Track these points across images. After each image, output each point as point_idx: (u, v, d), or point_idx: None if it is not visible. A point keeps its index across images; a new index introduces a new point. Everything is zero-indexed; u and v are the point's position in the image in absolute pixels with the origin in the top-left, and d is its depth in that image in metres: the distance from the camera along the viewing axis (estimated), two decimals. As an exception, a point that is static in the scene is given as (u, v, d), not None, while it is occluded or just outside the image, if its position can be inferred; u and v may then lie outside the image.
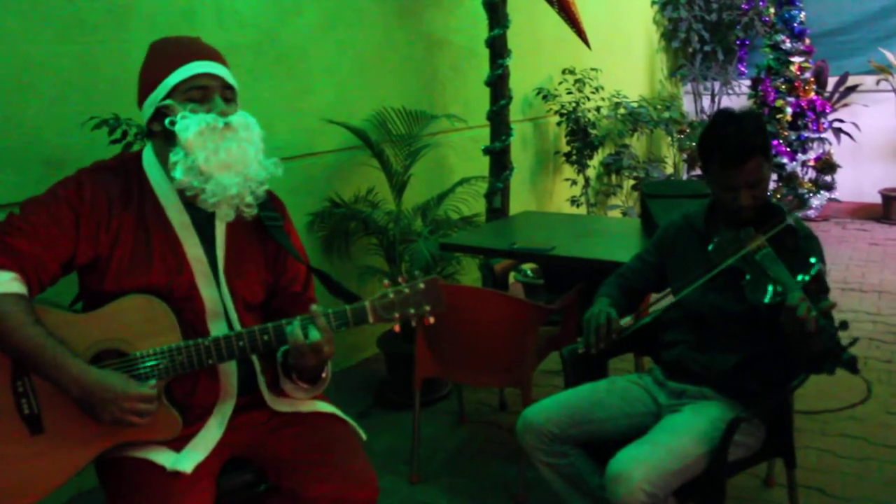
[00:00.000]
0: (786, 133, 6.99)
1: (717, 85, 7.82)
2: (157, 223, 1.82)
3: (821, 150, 7.16)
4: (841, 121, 7.30)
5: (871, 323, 4.58)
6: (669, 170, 7.59)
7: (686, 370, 2.30)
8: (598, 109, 5.99)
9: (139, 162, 1.86)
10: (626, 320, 2.26)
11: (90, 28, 2.85)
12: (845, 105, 7.49)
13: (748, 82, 7.50)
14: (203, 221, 1.86)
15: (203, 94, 1.79)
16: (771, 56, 7.08)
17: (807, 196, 6.93)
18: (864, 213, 7.50)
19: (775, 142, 6.92)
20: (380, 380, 3.94)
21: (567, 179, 6.08)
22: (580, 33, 4.65)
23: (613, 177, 6.76)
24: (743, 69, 7.97)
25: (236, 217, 1.86)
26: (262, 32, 3.57)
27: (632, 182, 6.66)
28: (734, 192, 2.15)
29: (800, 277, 2.02)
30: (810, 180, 7.12)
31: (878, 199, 7.39)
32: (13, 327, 1.62)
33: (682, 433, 2.09)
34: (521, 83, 4.90)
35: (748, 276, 2.10)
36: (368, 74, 4.17)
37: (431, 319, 1.81)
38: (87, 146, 2.74)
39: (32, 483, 1.69)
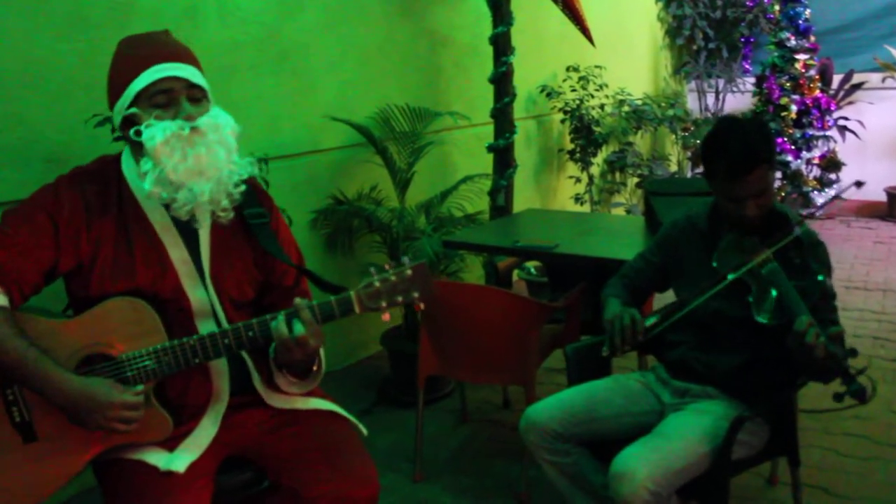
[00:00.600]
0: (790, 131, 6.97)
1: (721, 82, 7.80)
2: (138, 227, 1.80)
3: (826, 148, 7.13)
4: (846, 118, 7.27)
5: (875, 322, 4.57)
6: (673, 167, 7.58)
7: (690, 369, 2.29)
8: (601, 107, 5.97)
9: (118, 165, 1.84)
10: (652, 321, 2.22)
11: (93, 25, 2.85)
12: (850, 103, 7.47)
13: (753, 80, 7.48)
14: (186, 222, 1.82)
15: (168, 97, 1.74)
16: (776, 53, 7.06)
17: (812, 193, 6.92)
18: (869, 211, 7.48)
19: (780, 140, 6.90)
20: (383, 377, 3.94)
21: (571, 177, 6.07)
22: (584, 30, 4.64)
23: (617, 174, 6.74)
24: (747, 66, 7.94)
25: (231, 206, 1.82)
26: (265, 29, 3.56)
27: (635, 180, 6.64)
28: (739, 202, 2.13)
29: (807, 288, 2.01)
30: (815, 178, 7.10)
31: (883, 198, 7.36)
32: None
33: (686, 432, 2.08)
34: (524, 80, 4.89)
35: (754, 290, 2.10)
36: (372, 71, 4.17)
37: (422, 306, 1.77)
38: (90, 144, 2.74)
39: (28, 491, 1.69)
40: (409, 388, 3.55)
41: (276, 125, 3.65)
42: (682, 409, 2.22)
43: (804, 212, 6.95)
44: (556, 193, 6.20)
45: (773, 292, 2.04)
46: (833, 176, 7.12)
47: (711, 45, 7.75)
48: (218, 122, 1.78)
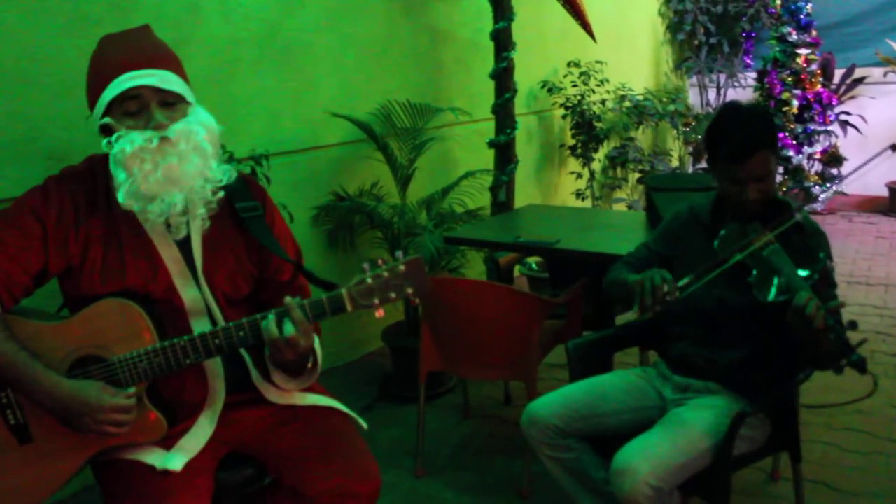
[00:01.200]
0: (792, 126, 6.95)
1: (722, 77, 7.79)
2: (127, 226, 1.79)
3: (827, 143, 7.13)
4: (847, 113, 7.26)
5: (877, 316, 4.57)
6: (675, 163, 7.56)
7: (691, 364, 2.29)
8: (603, 102, 5.97)
9: (107, 164, 1.80)
10: (684, 281, 2.12)
11: (94, 22, 2.85)
12: (852, 97, 7.45)
13: (754, 75, 7.46)
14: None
15: (138, 104, 1.72)
16: (777, 48, 7.04)
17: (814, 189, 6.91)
18: (870, 205, 7.48)
19: (781, 134, 6.89)
20: (384, 374, 3.94)
21: (572, 173, 6.07)
22: (585, 26, 4.63)
23: (619, 170, 6.73)
24: (749, 61, 7.93)
25: (209, 213, 1.82)
26: (267, 26, 3.56)
27: (637, 175, 6.63)
28: (741, 185, 2.14)
29: (807, 274, 2.01)
30: (816, 173, 7.09)
31: (884, 192, 7.36)
32: None
33: (688, 427, 2.09)
34: (526, 76, 4.89)
35: (755, 273, 2.09)
36: (373, 67, 4.17)
37: (416, 301, 1.74)
38: (91, 140, 2.73)
39: (25, 493, 1.70)
40: (410, 384, 3.55)
41: (277, 121, 3.65)
42: (683, 405, 2.23)
43: (807, 206, 6.95)
44: (558, 189, 6.20)
45: (775, 270, 2.04)
46: (834, 171, 7.11)
47: (713, 40, 7.73)
48: (191, 129, 1.74)
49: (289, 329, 1.70)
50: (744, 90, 7.76)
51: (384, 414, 3.57)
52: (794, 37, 6.96)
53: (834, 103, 7.09)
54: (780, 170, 6.95)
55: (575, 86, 5.79)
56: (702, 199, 2.39)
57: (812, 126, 6.98)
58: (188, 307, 1.83)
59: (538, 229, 3.43)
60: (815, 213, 7.07)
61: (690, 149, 7.30)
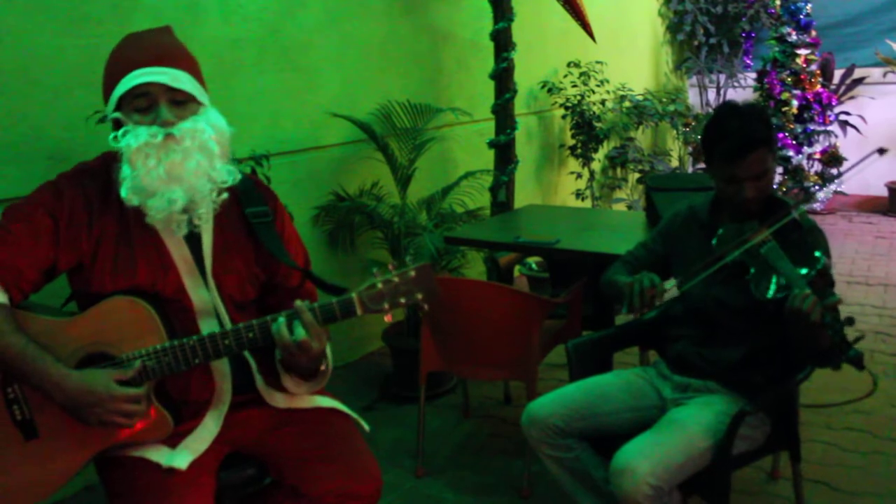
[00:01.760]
0: (791, 126, 6.96)
1: (722, 78, 7.80)
2: (139, 225, 1.79)
3: (827, 143, 7.13)
4: (847, 113, 7.27)
5: (876, 316, 4.57)
6: (675, 163, 7.57)
7: (691, 364, 2.30)
8: (603, 102, 5.97)
9: (120, 162, 1.82)
10: (671, 284, 2.20)
11: (95, 22, 2.85)
12: (851, 97, 7.46)
13: (754, 75, 7.47)
14: (188, 221, 1.81)
15: (148, 101, 1.73)
16: (777, 48, 7.05)
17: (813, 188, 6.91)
18: (870, 206, 7.48)
19: (781, 135, 6.90)
20: (385, 374, 3.94)
21: (572, 173, 6.07)
22: (585, 26, 4.64)
23: (618, 170, 6.74)
24: (748, 62, 7.94)
25: (221, 212, 1.82)
26: (267, 26, 3.57)
27: (637, 175, 6.64)
28: (738, 184, 2.15)
29: (804, 271, 2.02)
30: (816, 173, 7.10)
31: (884, 192, 7.36)
32: None
33: (688, 427, 2.09)
34: (525, 76, 4.89)
35: (752, 270, 2.10)
36: (373, 68, 4.17)
37: (426, 307, 1.73)
38: (92, 141, 2.74)
39: (30, 488, 1.70)
40: (410, 384, 3.56)
41: (277, 121, 3.65)
42: (683, 404, 2.23)
43: (805, 206, 6.94)
44: (558, 189, 6.20)
45: (773, 267, 2.04)
46: (834, 171, 7.11)
47: (712, 41, 7.74)
48: (197, 128, 1.74)
49: (300, 333, 1.70)
50: (743, 90, 7.77)
51: (384, 414, 3.58)
52: (793, 37, 6.97)
53: (833, 103, 7.10)
54: (780, 170, 6.96)
55: (575, 86, 5.79)
56: (700, 199, 2.40)
57: (812, 126, 6.98)
58: (197, 308, 1.84)
59: (538, 229, 3.44)
60: (815, 212, 7.08)
61: (690, 149, 7.30)
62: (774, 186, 2.26)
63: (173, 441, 1.79)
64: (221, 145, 1.79)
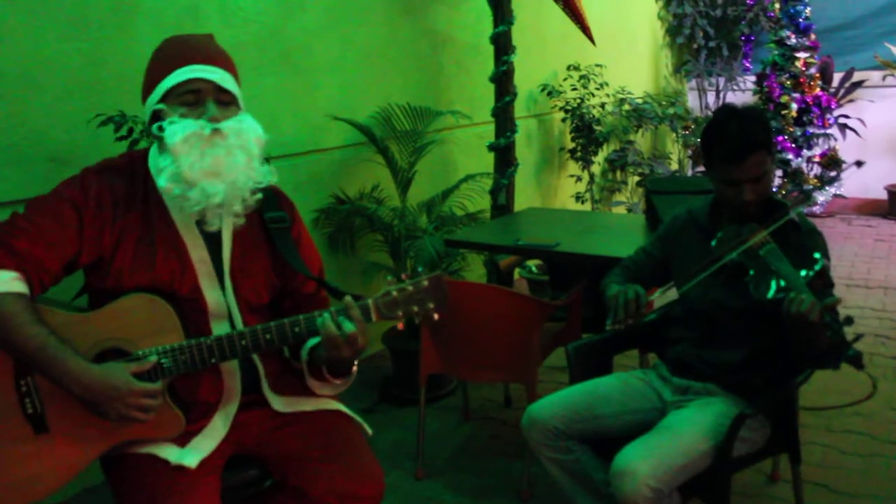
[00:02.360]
0: (791, 129, 6.97)
1: (721, 81, 7.81)
2: (161, 224, 1.81)
3: (826, 147, 7.14)
4: (846, 116, 7.27)
5: (876, 319, 4.58)
6: (674, 166, 7.58)
7: (691, 367, 2.30)
8: (602, 106, 5.98)
9: (145, 161, 1.85)
10: (655, 296, 2.23)
11: (96, 25, 2.86)
12: (851, 101, 7.46)
13: (753, 78, 7.48)
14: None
15: (196, 97, 1.76)
16: (776, 52, 7.06)
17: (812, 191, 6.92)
18: (869, 209, 7.49)
19: (780, 138, 6.91)
20: (385, 376, 3.95)
21: (572, 176, 6.08)
22: (585, 29, 4.65)
23: (618, 173, 6.75)
24: (748, 65, 7.95)
25: (242, 220, 1.84)
26: (267, 29, 3.57)
27: (636, 178, 6.65)
28: (737, 186, 2.15)
29: (804, 273, 2.02)
30: (815, 176, 7.11)
31: (883, 196, 7.37)
32: (15, 326, 1.62)
33: (688, 429, 2.09)
34: (525, 79, 4.90)
35: (752, 272, 2.11)
36: (373, 71, 4.18)
37: (436, 316, 1.79)
38: (93, 143, 2.75)
39: (37, 482, 1.70)
40: (411, 386, 3.56)
41: (277, 124, 3.65)
42: (683, 407, 2.23)
43: (803, 207, 6.95)
44: (557, 192, 6.21)
45: (772, 269, 2.05)
46: (833, 174, 7.12)
47: (712, 44, 7.75)
48: (242, 128, 1.78)
49: (349, 327, 1.74)
50: (743, 94, 7.78)
51: (384, 416, 3.58)
52: (792, 40, 6.98)
53: (833, 107, 7.11)
54: (779, 173, 6.97)
55: (574, 89, 5.80)
56: (700, 203, 2.40)
57: (811, 129, 6.99)
58: (211, 309, 1.85)
59: (538, 232, 3.44)
60: (814, 215, 7.08)
61: (689, 152, 7.31)
62: (774, 189, 2.27)
63: (182, 440, 1.81)
64: (259, 147, 1.82)
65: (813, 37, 7.04)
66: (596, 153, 5.96)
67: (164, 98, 1.77)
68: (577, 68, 5.80)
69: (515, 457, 3.13)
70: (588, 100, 5.81)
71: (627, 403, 2.29)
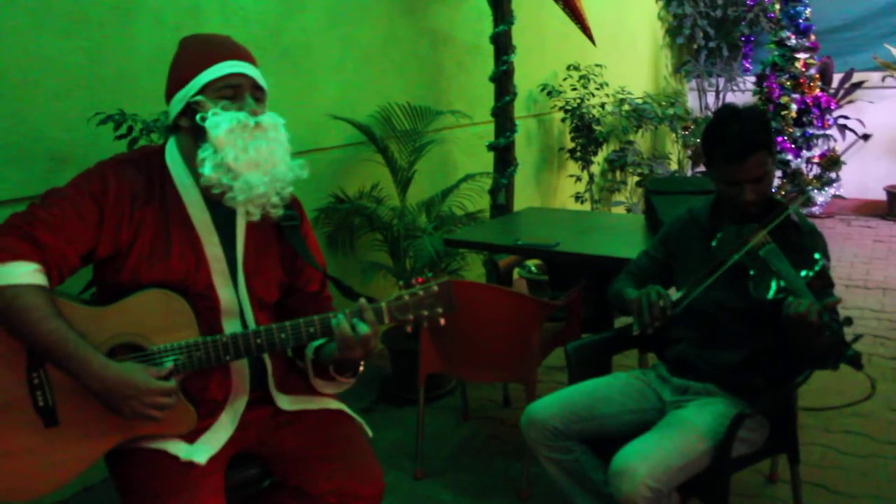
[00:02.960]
0: (791, 130, 6.97)
1: (721, 81, 7.81)
2: (177, 219, 1.82)
3: (826, 147, 7.14)
4: (846, 117, 7.28)
5: (875, 320, 4.58)
6: (674, 166, 7.59)
7: (690, 367, 2.30)
8: (602, 106, 5.98)
9: (162, 157, 1.85)
10: (677, 295, 2.20)
11: (96, 24, 2.86)
12: (850, 101, 7.47)
13: (753, 79, 7.49)
14: (223, 220, 1.85)
15: (235, 92, 1.79)
16: (776, 52, 7.07)
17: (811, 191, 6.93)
18: (868, 209, 7.49)
19: (780, 138, 6.92)
20: (384, 376, 3.95)
21: (571, 176, 6.08)
22: (585, 30, 4.65)
23: (618, 173, 6.75)
24: (748, 65, 7.96)
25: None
26: (267, 29, 3.57)
27: (636, 178, 6.65)
28: (738, 186, 2.16)
29: (804, 273, 2.02)
30: (815, 177, 7.11)
31: (882, 196, 7.38)
32: (36, 319, 1.61)
33: (687, 429, 2.09)
34: (525, 79, 4.90)
35: (752, 272, 2.11)
36: (373, 70, 4.18)
37: (442, 321, 1.83)
38: (93, 142, 2.75)
39: (46, 475, 1.70)
40: (410, 386, 3.56)
41: (277, 124, 3.65)
42: (682, 407, 2.23)
43: (800, 206, 6.96)
44: (557, 192, 6.21)
45: (772, 269, 2.05)
46: (833, 174, 7.12)
47: (712, 44, 7.76)
48: (278, 122, 1.84)
49: (363, 328, 1.76)
50: (742, 94, 7.79)
51: (384, 416, 3.58)
52: (792, 41, 6.99)
53: (832, 107, 7.11)
54: (779, 173, 6.97)
55: (574, 89, 5.80)
56: (700, 203, 2.41)
57: (811, 130, 7.00)
58: (223, 306, 1.86)
59: (537, 232, 3.44)
60: (814, 216, 7.09)
61: (689, 152, 7.31)
62: (773, 189, 2.27)
63: (190, 437, 1.81)
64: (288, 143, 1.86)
65: (813, 38, 7.05)
66: (595, 153, 5.97)
67: (201, 91, 1.78)
68: (576, 68, 5.80)
69: (514, 456, 3.13)
70: (588, 100, 5.81)
71: (627, 403, 2.29)
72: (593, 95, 5.85)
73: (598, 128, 5.84)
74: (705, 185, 3.41)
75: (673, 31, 7.94)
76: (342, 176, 4.02)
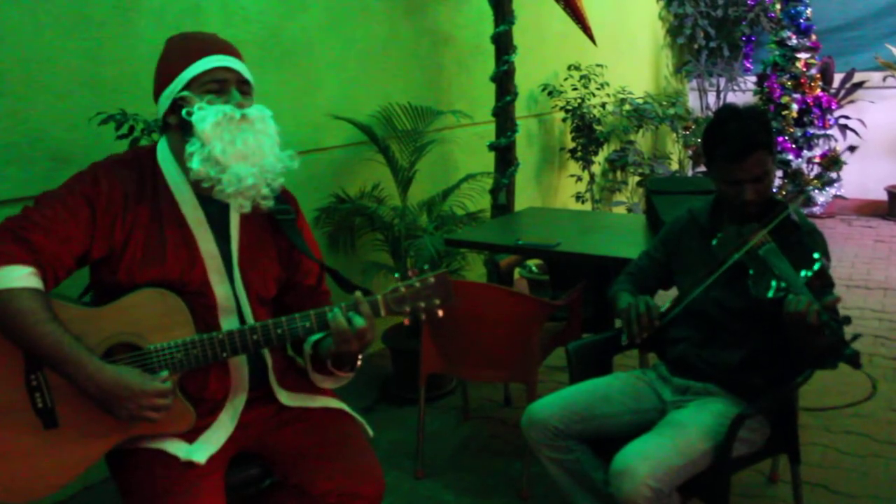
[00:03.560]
0: (791, 130, 6.97)
1: (722, 81, 7.81)
2: (171, 217, 1.82)
3: (826, 147, 7.14)
4: (847, 117, 7.27)
5: (876, 320, 4.58)
6: (674, 166, 7.58)
7: (690, 366, 2.30)
8: (603, 105, 5.98)
9: (153, 156, 1.86)
10: (665, 306, 2.23)
11: (97, 24, 2.86)
12: (851, 101, 7.46)
13: (754, 79, 7.48)
14: (217, 216, 1.86)
15: (220, 86, 1.80)
16: (777, 52, 7.06)
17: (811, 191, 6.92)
18: (869, 209, 7.49)
19: (781, 138, 6.92)
20: (385, 375, 3.95)
21: (572, 176, 6.08)
22: (586, 29, 4.65)
23: (618, 173, 6.75)
24: (748, 65, 7.95)
25: (251, 211, 1.85)
26: (268, 28, 3.57)
27: (637, 178, 6.65)
28: (738, 186, 2.16)
29: (803, 273, 2.02)
30: (816, 177, 7.11)
31: (883, 196, 7.37)
32: (31, 323, 1.61)
33: (687, 429, 2.09)
34: (526, 79, 4.90)
35: (752, 272, 2.11)
36: (374, 70, 4.18)
37: (440, 312, 1.83)
38: (94, 142, 2.75)
39: (47, 477, 1.70)
40: (410, 385, 3.56)
41: (278, 123, 3.61)
42: (683, 407, 2.24)
43: (800, 204, 6.96)
44: (558, 192, 6.21)
45: (771, 268, 2.05)
46: (834, 175, 7.12)
47: (712, 44, 7.75)
48: (265, 114, 1.85)
49: (359, 321, 1.76)
50: (743, 94, 7.78)
51: (384, 415, 3.58)
52: (793, 41, 6.98)
53: (833, 107, 7.11)
54: (780, 173, 6.97)
55: (575, 89, 5.80)
56: (700, 203, 2.41)
57: (811, 130, 6.99)
58: (219, 303, 1.86)
59: (538, 232, 3.44)
60: (814, 216, 7.08)
61: (690, 152, 7.31)
62: (774, 189, 2.27)
63: (189, 437, 1.81)
64: (277, 134, 1.87)
65: (814, 37, 7.04)
66: (596, 153, 5.97)
67: (187, 87, 1.79)
68: (577, 68, 5.80)
69: (515, 456, 3.14)
70: (588, 100, 5.81)
71: (627, 403, 2.29)
72: (594, 95, 5.85)
73: (598, 128, 5.84)
74: (706, 185, 3.41)
75: (674, 31, 7.93)
76: (343, 176, 4.02)
